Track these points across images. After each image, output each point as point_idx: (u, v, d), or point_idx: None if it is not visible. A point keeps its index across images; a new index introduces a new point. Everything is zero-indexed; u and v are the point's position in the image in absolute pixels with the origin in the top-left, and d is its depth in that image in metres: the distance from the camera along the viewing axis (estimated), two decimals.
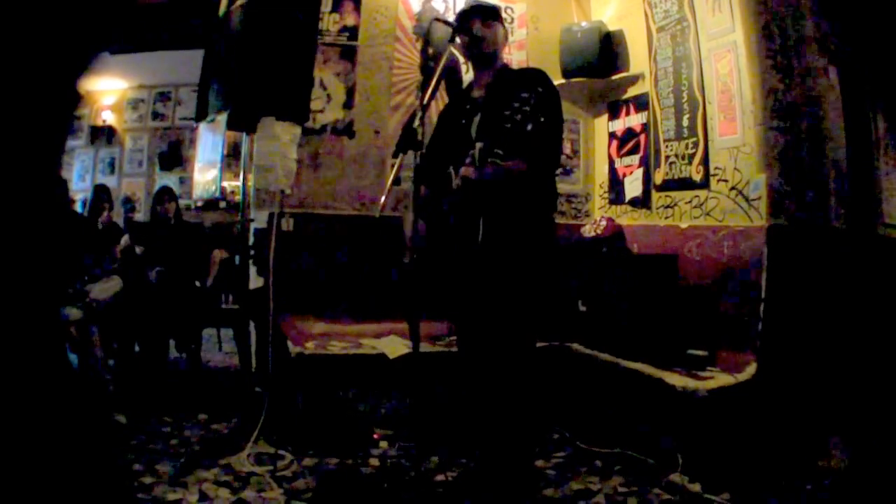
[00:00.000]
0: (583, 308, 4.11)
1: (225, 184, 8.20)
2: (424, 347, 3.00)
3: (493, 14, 2.92)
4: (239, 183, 4.85)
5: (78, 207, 6.38)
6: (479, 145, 2.52)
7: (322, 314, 4.31)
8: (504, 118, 2.36)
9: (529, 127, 2.34)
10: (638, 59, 4.67)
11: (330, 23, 4.67)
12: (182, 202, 5.65)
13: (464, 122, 2.87)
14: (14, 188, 1.47)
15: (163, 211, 4.84)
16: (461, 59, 4.91)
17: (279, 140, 3.63)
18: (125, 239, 4.96)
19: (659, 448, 3.33)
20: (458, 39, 2.86)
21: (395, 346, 3.78)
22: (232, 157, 7.93)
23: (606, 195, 5.02)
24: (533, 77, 2.82)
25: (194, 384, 4.53)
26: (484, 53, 2.88)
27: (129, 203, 7.79)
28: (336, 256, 4.54)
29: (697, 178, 4.05)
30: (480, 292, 2.74)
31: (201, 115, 4.05)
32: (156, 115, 9.32)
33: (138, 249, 4.79)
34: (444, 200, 2.79)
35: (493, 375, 2.78)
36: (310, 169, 4.59)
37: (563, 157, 4.97)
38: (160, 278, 4.59)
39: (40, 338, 1.62)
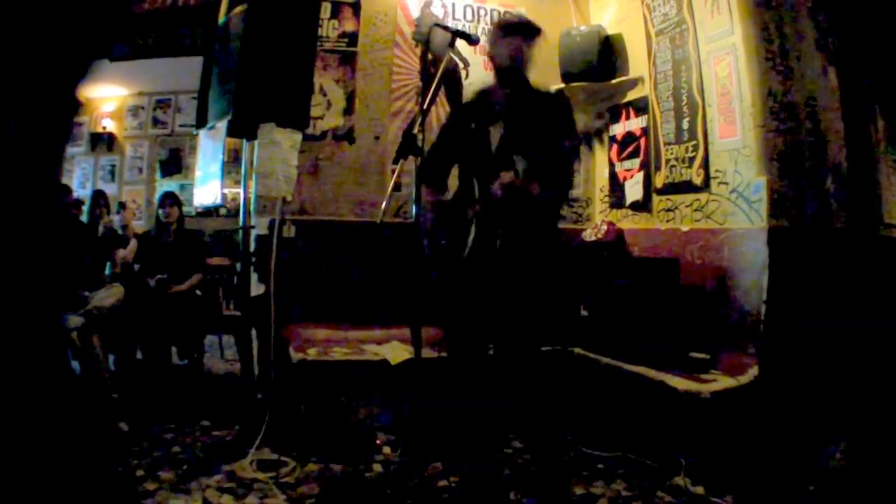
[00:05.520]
0: (584, 312, 4.11)
1: (225, 191, 8.21)
2: (427, 353, 3.00)
3: (537, 34, 2.99)
4: (240, 190, 4.85)
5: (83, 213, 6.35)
6: (521, 165, 2.67)
7: (324, 320, 4.31)
8: (563, 154, 2.58)
9: (576, 164, 2.51)
10: (637, 62, 4.68)
11: (329, 29, 4.68)
12: (182, 209, 5.64)
13: (480, 128, 2.91)
14: (15, 195, 1.48)
15: (166, 215, 4.83)
16: (461, 64, 4.93)
17: (279, 147, 3.63)
18: (132, 245, 4.95)
19: (662, 451, 3.33)
20: (460, 47, 2.95)
21: (397, 351, 3.78)
22: (232, 164, 7.94)
23: (607, 199, 5.02)
24: (566, 108, 2.99)
25: (196, 391, 4.52)
26: (518, 71, 2.94)
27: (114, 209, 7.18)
28: (337, 262, 4.54)
29: (698, 181, 4.06)
30: (498, 297, 2.78)
31: (201, 122, 4.06)
32: (156, 122, 9.34)
33: (136, 266, 4.81)
34: (467, 209, 2.81)
35: (506, 376, 2.82)
36: (310, 175, 4.60)
37: None
38: (161, 286, 4.59)
39: (42, 345, 1.62)
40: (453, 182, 3.09)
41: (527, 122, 2.79)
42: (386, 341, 3.99)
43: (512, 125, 2.86)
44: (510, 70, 2.95)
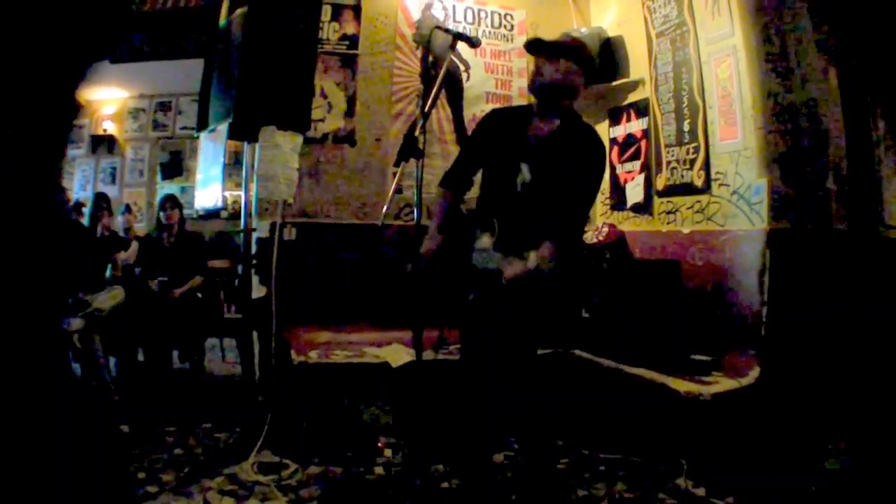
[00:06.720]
0: (586, 315, 4.11)
1: (226, 193, 8.19)
2: (427, 356, 2.99)
3: (589, 62, 2.72)
4: (241, 192, 4.85)
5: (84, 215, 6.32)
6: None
7: (325, 323, 4.31)
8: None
9: None
10: (638, 64, 4.68)
11: (330, 31, 4.69)
12: (183, 212, 5.63)
13: (508, 163, 2.70)
14: (14, 197, 1.48)
15: (166, 218, 4.83)
16: (461, 66, 4.94)
17: (280, 149, 3.63)
18: (133, 248, 4.95)
19: (663, 453, 3.32)
20: (461, 49, 2.83)
21: (398, 354, 3.78)
22: (233, 166, 7.93)
23: (608, 201, 5.02)
24: (601, 156, 2.76)
25: (197, 393, 4.52)
26: (567, 103, 2.69)
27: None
28: (338, 265, 4.54)
29: (699, 183, 4.05)
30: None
31: (202, 124, 4.06)
32: (156, 125, 9.32)
33: (137, 270, 4.81)
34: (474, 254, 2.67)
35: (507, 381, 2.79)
36: (311, 178, 4.60)
37: None
38: (163, 288, 4.59)
39: (43, 347, 1.62)
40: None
41: (561, 168, 2.54)
42: (387, 344, 3.99)
43: (544, 170, 2.59)
44: (555, 97, 2.63)
